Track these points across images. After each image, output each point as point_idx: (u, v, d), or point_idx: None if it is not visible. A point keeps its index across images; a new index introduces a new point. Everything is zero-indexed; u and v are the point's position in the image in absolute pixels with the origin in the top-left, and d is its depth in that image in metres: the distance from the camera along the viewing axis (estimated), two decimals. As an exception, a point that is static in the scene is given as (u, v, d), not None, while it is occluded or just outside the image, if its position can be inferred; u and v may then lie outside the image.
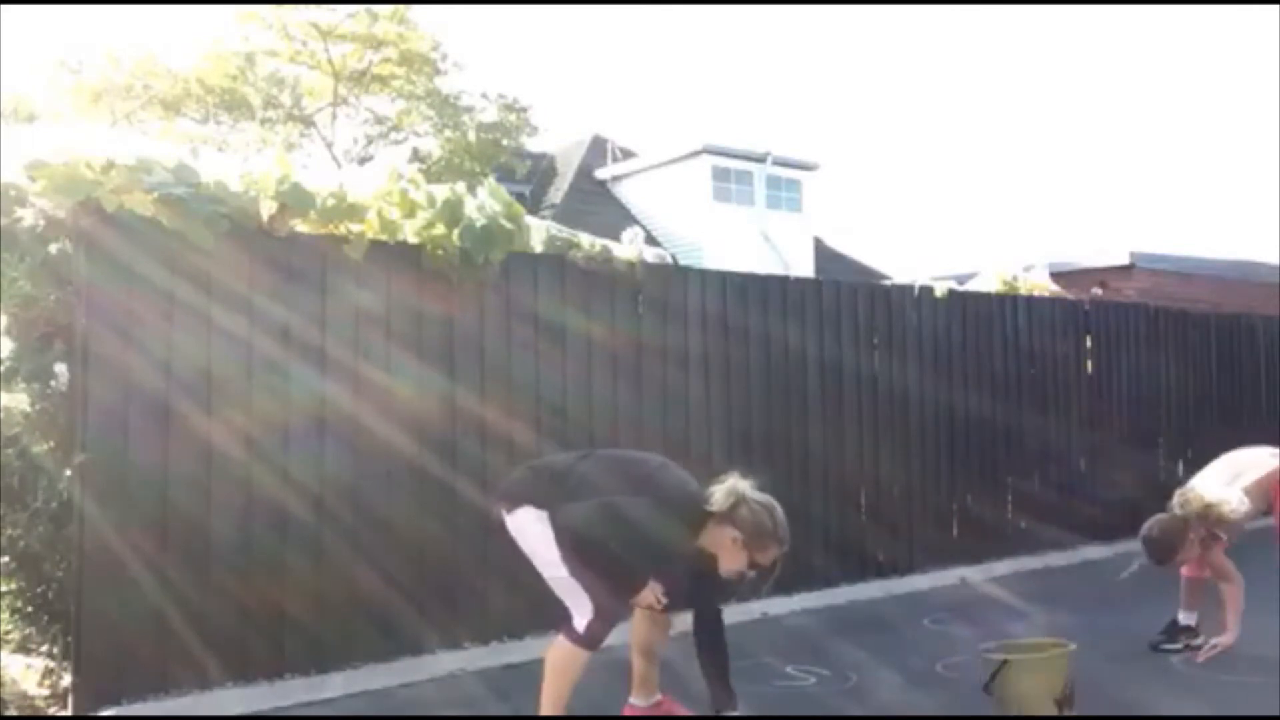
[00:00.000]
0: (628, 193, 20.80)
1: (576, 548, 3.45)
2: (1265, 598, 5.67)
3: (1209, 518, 4.64)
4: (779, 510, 3.57)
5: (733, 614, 5.68)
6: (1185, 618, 4.94)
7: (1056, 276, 8.84)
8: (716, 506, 3.51)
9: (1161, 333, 8.63)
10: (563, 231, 5.56)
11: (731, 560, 3.54)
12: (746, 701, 4.22)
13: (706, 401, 5.81)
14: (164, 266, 4.19)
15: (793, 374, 6.23)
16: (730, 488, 3.53)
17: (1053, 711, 3.79)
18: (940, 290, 7.13)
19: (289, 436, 4.44)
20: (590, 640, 3.45)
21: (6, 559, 4.13)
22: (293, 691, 4.33)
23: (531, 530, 3.53)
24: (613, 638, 5.28)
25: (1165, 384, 8.57)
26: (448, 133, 20.75)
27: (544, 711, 3.48)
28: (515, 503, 3.59)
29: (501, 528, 3.65)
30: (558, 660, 3.49)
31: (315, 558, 4.45)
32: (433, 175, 16.38)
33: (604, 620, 3.46)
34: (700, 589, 3.77)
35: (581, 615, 3.46)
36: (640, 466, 3.70)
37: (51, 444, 4.15)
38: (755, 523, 3.50)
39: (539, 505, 3.51)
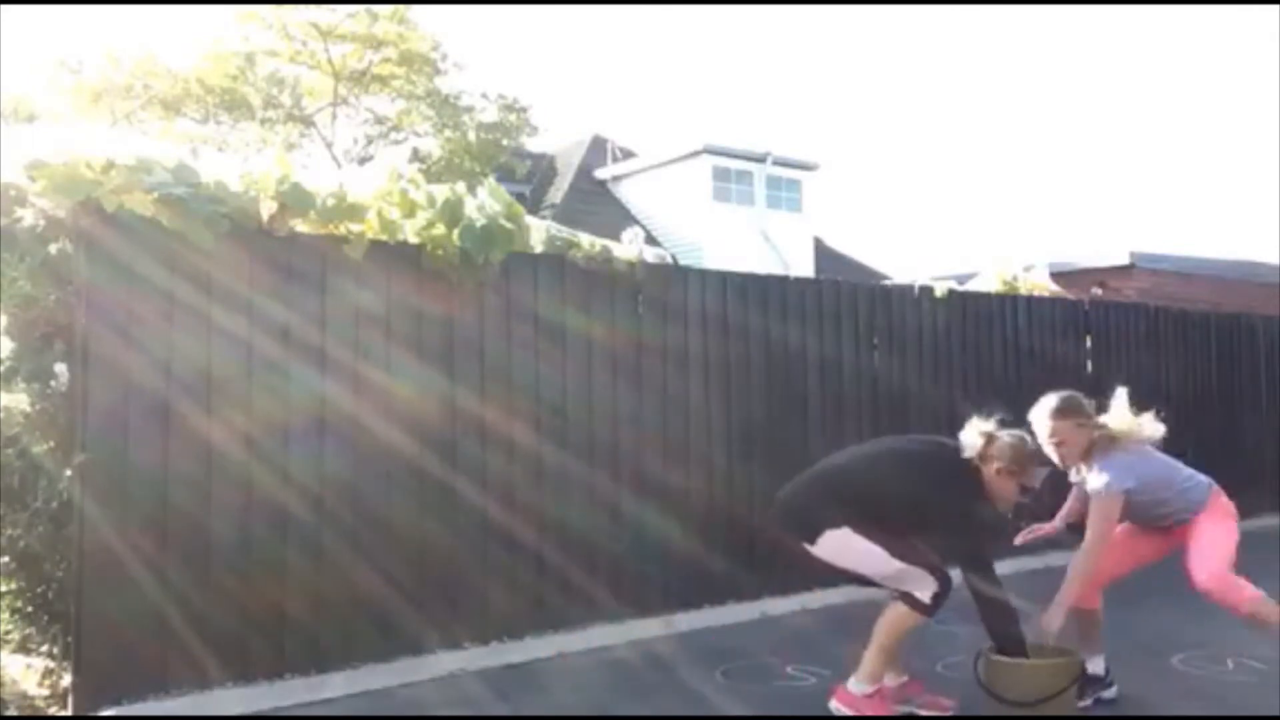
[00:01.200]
0: (628, 193, 20.81)
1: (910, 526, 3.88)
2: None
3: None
4: (1028, 436, 3.97)
5: (733, 614, 5.72)
6: (1093, 666, 4.13)
7: (1056, 276, 8.83)
8: (974, 451, 3.89)
9: (1161, 333, 8.63)
10: (563, 231, 5.56)
11: (1005, 491, 3.91)
12: (746, 701, 4.23)
13: (706, 401, 5.81)
14: (164, 266, 4.18)
15: (793, 374, 6.23)
16: (979, 429, 3.91)
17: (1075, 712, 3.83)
18: (940, 290, 7.13)
19: (289, 436, 4.44)
20: (936, 609, 3.84)
21: (6, 559, 4.12)
22: (293, 691, 4.33)
23: (847, 549, 3.84)
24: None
25: (1165, 384, 8.55)
26: (448, 133, 20.76)
27: (878, 662, 3.86)
28: (813, 533, 3.88)
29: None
30: (898, 622, 3.86)
31: (315, 558, 4.45)
32: (433, 175, 16.39)
33: (946, 588, 3.83)
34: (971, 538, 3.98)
35: (926, 590, 3.81)
36: (899, 451, 4.12)
37: (51, 444, 4.14)
38: (1015, 450, 3.87)
39: (836, 526, 3.83)
